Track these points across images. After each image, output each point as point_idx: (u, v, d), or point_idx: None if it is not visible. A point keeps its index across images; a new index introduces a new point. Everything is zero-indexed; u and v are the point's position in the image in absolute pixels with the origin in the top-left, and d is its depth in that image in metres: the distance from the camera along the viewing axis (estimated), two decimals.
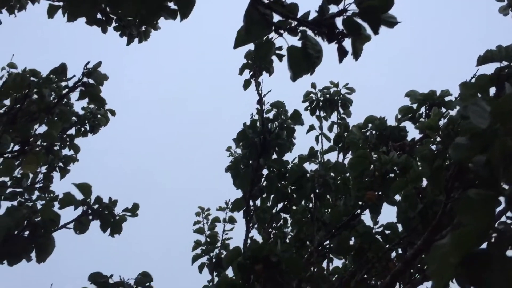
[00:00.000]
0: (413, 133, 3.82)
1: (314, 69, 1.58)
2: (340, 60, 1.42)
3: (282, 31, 1.55)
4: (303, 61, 1.56)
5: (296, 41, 1.58)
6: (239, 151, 4.19)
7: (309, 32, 1.54)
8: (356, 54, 1.48)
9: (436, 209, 2.68)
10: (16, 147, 2.55)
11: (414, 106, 3.65)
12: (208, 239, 4.31)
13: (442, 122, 2.74)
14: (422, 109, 3.66)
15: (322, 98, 4.65)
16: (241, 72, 3.63)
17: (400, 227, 3.07)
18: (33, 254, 2.41)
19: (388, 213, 3.30)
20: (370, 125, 3.86)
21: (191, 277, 4.40)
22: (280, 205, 4.07)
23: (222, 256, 4.17)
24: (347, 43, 1.48)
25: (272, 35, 1.60)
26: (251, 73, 3.59)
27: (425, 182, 2.94)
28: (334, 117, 4.68)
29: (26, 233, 2.36)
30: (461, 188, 2.47)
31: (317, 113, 4.66)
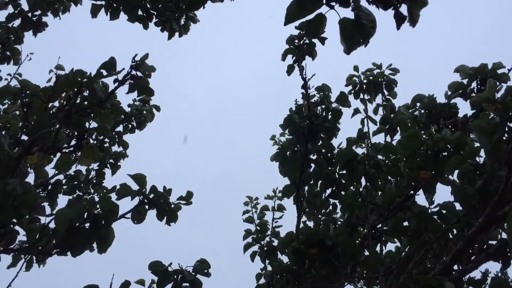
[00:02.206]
0: (464, 109, 3.69)
1: (368, 40, 1.54)
2: (398, 27, 1.37)
3: (333, 3, 1.51)
4: (357, 33, 1.52)
5: (347, 13, 1.55)
6: (283, 139, 4.18)
7: (362, 2, 1.51)
8: (413, 21, 1.43)
9: (496, 184, 2.58)
10: (72, 142, 2.64)
11: (465, 81, 3.52)
12: (258, 228, 4.33)
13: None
14: (473, 84, 3.52)
15: (365, 81, 4.55)
16: (283, 57, 3.60)
17: (457, 206, 2.98)
18: (94, 245, 2.49)
19: (441, 193, 3.21)
20: (418, 104, 3.75)
21: (244, 266, 4.43)
22: (328, 191, 4.03)
23: (273, 244, 4.18)
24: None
25: (323, 8, 1.57)
26: (294, 58, 3.56)
27: (482, 158, 2.84)
28: (379, 99, 4.58)
29: (87, 224, 2.43)
30: None
31: (361, 96, 4.56)
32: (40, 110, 2.56)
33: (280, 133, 4.26)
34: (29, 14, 4.44)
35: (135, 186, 2.59)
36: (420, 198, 3.27)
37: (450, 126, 3.37)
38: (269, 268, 4.02)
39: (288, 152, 3.71)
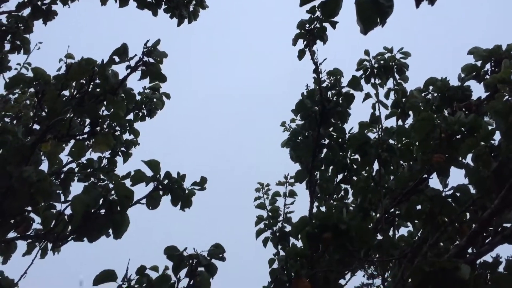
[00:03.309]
0: (478, 92, 3.64)
1: (386, 20, 1.52)
2: (417, 5, 1.35)
3: None
4: (374, 13, 1.50)
5: None
6: (293, 125, 4.16)
7: None
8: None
9: None
10: (86, 129, 2.65)
11: (478, 63, 3.47)
12: (270, 214, 4.33)
13: None
14: (487, 66, 3.47)
15: (376, 65, 4.50)
16: (294, 42, 3.57)
17: (471, 189, 2.96)
18: (110, 231, 2.50)
19: (454, 176, 3.19)
20: (431, 87, 3.71)
21: (256, 252, 4.45)
22: (339, 176, 4.02)
23: (285, 229, 4.20)
24: None
25: None
26: (305, 42, 3.53)
27: (496, 141, 2.81)
28: (390, 83, 4.53)
29: (103, 210, 2.44)
30: None
31: (372, 80, 4.52)
32: (54, 98, 2.56)
33: (291, 119, 4.24)
34: (39, 3, 4.44)
35: (149, 172, 2.61)
36: (434, 182, 3.26)
37: (464, 109, 3.33)
38: (282, 253, 4.04)
39: (299, 137, 3.70)
